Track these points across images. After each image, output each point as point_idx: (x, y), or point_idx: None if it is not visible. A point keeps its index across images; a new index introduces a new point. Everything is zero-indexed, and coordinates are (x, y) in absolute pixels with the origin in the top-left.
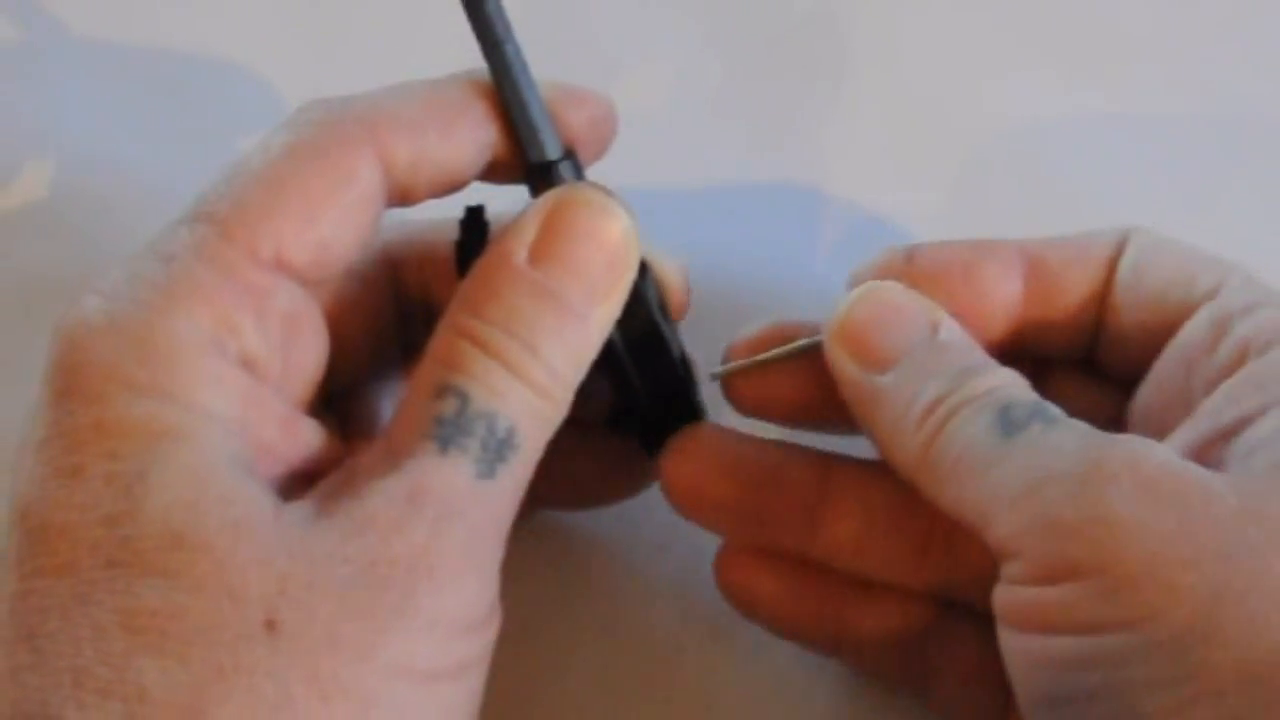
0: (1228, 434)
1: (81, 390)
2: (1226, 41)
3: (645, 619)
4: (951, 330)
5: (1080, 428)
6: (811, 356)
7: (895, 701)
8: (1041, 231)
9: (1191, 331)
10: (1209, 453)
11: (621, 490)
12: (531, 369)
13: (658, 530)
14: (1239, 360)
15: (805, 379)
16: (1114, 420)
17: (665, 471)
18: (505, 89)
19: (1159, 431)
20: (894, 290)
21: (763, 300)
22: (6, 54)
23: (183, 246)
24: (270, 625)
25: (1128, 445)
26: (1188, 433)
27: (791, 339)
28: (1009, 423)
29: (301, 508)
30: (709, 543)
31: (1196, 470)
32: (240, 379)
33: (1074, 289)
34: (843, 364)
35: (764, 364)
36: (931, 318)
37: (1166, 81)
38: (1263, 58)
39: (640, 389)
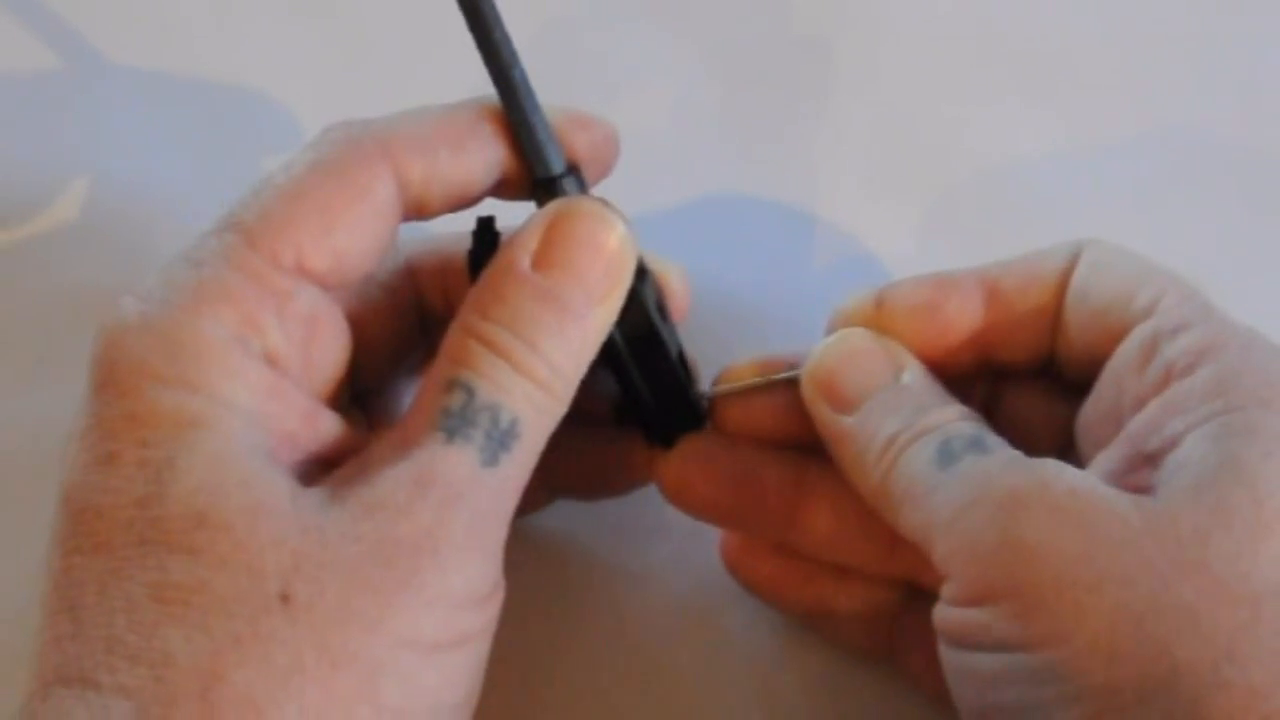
0: (1153, 458)
1: (116, 384)
2: (1180, 73)
3: (643, 597)
4: (914, 373)
5: (1006, 455)
6: (790, 387)
7: (871, 676)
8: (1008, 244)
9: (1124, 352)
10: (1134, 475)
11: (630, 480)
12: (533, 365)
13: (655, 515)
14: (1164, 382)
15: (784, 407)
16: (1066, 428)
17: (662, 475)
18: (512, 110)
19: (1096, 448)
20: (862, 337)
21: (756, 304)
22: (51, 84)
23: (211, 253)
24: (285, 598)
25: (1042, 471)
26: (1113, 454)
27: (776, 369)
28: (947, 455)
29: (317, 492)
30: (702, 527)
31: (1106, 493)
32: (262, 373)
33: (1029, 310)
34: (815, 404)
35: (747, 390)
36: (895, 363)
37: (1123, 109)
38: (1215, 86)
39: (641, 385)
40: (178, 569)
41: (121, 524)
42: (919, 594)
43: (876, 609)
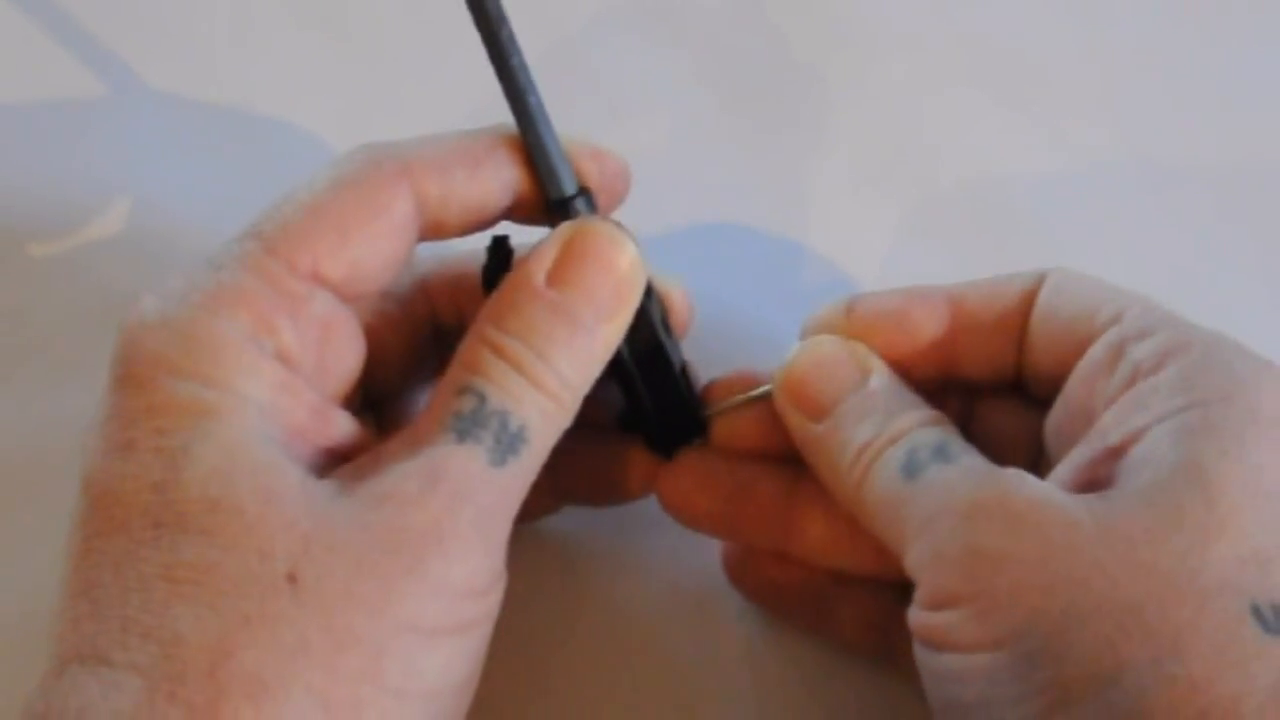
0: (1118, 452)
1: (135, 377)
2: (1155, 88)
3: (639, 588)
4: (881, 377)
5: (969, 465)
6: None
7: (864, 667)
8: (993, 254)
9: (1093, 356)
10: (1100, 469)
11: (635, 487)
12: (543, 375)
13: (652, 508)
14: (1131, 381)
15: (773, 420)
16: (1036, 438)
17: (661, 491)
18: (528, 134)
19: (1065, 447)
20: (829, 343)
21: (752, 317)
22: (92, 108)
23: (231, 258)
24: (292, 579)
25: (1001, 480)
26: (1082, 450)
27: (756, 384)
28: (913, 466)
29: (328, 483)
30: None
31: (1062, 500)
32: (275, 369)
33: (994, 321)
34: (788, 412)
35: (739, 405)
36: (863, 367)
37: (1101, 125)
38: (1189, 100)
39: (645, 395)
40: (190, 550)
41: (138, 508)
42: (912, 594)
43: (873, 610)
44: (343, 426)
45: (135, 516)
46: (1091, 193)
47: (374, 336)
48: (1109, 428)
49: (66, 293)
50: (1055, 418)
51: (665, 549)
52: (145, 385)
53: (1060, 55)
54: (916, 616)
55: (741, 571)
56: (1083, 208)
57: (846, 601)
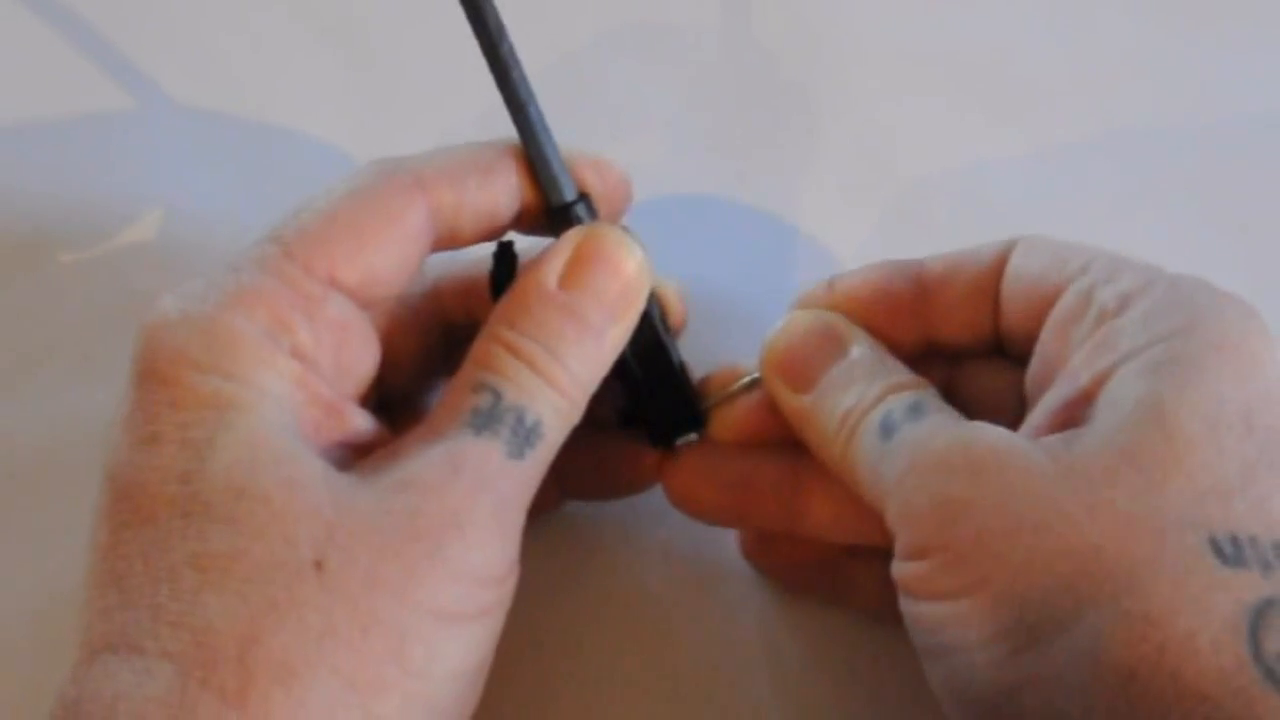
0: (1088, 394)
1: (157, 372)
2: (1132, 89)
3: (646, 576)
4: (862, 346)
5: (938, 420)
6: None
7: (870, 639)
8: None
9: (1063, 305)
10: (1072, 412)
11: (636, 482)
12: (555, 373)
13: (656, 502)
14: (1099, 324)
15: (767, 408)
16: (1019, 397)
17: (668, 486)
18: (529, 144)
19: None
20: (809, 316)
21: (745, 314)
22: (122, 121)
23: (249, 260)
24: (318, 565)
25: (966, 433)
26: (1052, 395)
27: (743, 376)
28: (888, 427)
29: (347, 475)
30: None
31: (1024, 448)
32: (291, 364)
33: (968, 290)
34: (775, 387)
35: (734, 397)
36: (844, 337)
37: (1080, 132)
38: (1163, 106)
39: (646, 392)
40: (217, 538)
41: (165, 499)
42: None
43: (890, 578)
44: (358, 422)
45: (163, 507)
46: (1074, 197)
47: (387, 339)
48: (1078, 371)
49: (95, 296)
50: (1033, 371)
51: (676, 532)
52: (167, 380)
53: (1043, 64)
54: (897, 567)
55: (758, 553)
56: (1066, 212)
57: (862, 572)
